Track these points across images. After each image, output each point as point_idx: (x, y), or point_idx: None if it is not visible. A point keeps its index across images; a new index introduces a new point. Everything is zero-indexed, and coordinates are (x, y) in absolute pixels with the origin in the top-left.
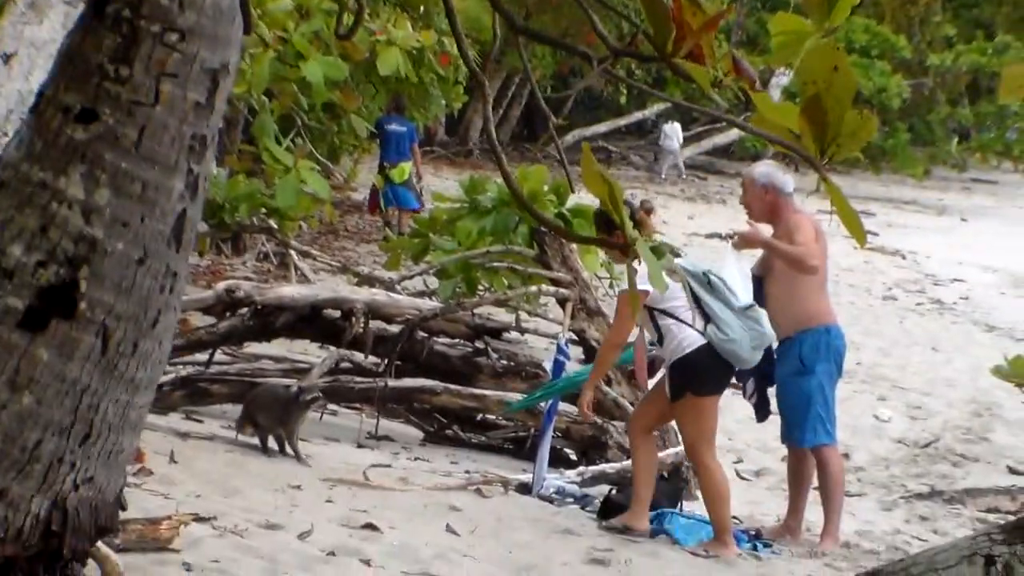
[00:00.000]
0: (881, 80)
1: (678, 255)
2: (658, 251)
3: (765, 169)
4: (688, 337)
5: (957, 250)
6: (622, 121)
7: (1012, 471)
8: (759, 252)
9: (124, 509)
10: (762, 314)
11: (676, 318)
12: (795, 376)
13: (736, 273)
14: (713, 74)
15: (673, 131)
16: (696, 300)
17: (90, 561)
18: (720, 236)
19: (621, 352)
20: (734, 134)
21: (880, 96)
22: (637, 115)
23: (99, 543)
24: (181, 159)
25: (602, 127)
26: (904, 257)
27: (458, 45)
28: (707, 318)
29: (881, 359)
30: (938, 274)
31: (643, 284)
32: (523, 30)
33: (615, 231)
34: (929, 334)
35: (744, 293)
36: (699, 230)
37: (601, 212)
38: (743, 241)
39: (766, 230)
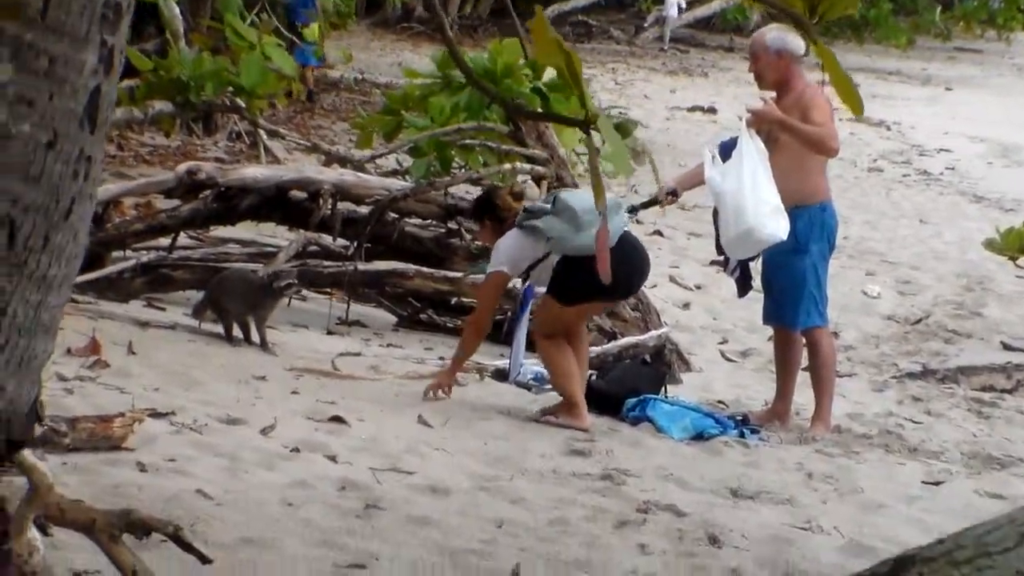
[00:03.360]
0: None
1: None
2: (624, 128)
3: (777, 33)
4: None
5: (943, 120)
6: None
7: (1006, 347)
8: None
9: (41, 421)
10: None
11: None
12: (788, 254)
13: (754, 153)
14: None
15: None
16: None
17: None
18: (703, 109)
19: (482, 338)
20: (716, 6)
21: None
22: None
23: (25, 452)
24: (93, 29)
25: (581, 0)
26: (889, 128)
27: None
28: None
29: (869, 232)
30: (924, 145)
31: (497, 266)
32: None
33: (493, 220)
34: (916, 206)
35: (765, 175)
36: (681, 103)
37: (481, 198)
38: (758, 119)
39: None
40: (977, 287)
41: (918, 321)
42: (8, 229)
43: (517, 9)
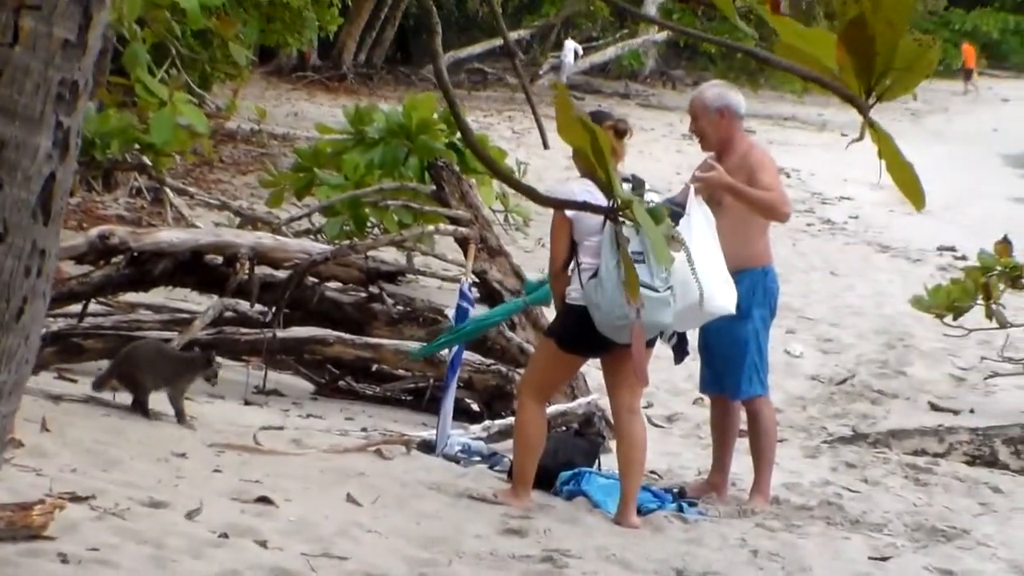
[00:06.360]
0: None
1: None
2: (657, 215)
3: (718, 91)
4: (576, 287)
5: (841, 167)
6: (497, 41)
7: (934, 407)
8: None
9: None
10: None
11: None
12: (729, 320)
13: (703, 221)
14: None
15: (572, 47)
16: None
17: None
18: None
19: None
20: (611, 52)
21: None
22: (513, 35)
23: None
24: (48, 110)
25: (477, 48)
26: (789, 175)
27: None
28: (596, 271)
29: (782, 286)
30: (825, 192)
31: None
32: None
33: None
34: (825, 257)
35: (712, 243)
36: None
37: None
38: (707, 185)
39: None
40: (899, 344)
41: (843, 381)
42: None
43: (409, 56)
